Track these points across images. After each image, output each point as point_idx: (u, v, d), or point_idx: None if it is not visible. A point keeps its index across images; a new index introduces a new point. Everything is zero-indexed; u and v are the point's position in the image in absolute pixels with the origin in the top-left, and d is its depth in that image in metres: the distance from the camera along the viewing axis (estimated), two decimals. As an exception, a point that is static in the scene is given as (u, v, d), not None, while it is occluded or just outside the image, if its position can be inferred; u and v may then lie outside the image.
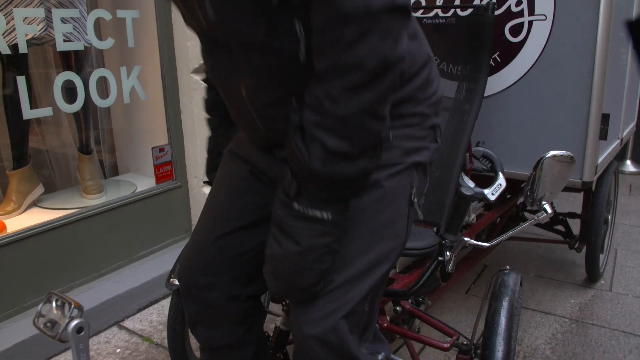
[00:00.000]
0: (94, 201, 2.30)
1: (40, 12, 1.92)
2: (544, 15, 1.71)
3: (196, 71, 2.37)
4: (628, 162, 4.39)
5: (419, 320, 1.47)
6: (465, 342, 1.34)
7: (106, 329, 2.08)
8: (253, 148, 1.06)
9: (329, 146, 0.75)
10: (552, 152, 1.26)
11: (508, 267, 1.32)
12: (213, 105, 1.26)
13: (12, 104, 2.03)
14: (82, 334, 0.85)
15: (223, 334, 1.12)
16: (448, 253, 1.27)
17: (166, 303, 2.27)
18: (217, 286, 1.08)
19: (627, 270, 2.54)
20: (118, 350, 1.94)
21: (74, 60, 2.15)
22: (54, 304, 0.89)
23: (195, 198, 2.54)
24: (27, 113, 1.88)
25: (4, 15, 1.80)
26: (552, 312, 2.17)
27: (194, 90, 2.38)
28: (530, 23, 1.74)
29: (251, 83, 0.89)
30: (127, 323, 2.12)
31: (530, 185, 1.27)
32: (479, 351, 1.27)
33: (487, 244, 1.32)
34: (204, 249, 1.09)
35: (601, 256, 2.40)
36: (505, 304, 1.20)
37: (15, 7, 1.86)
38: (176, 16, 2.32)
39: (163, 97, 2.38)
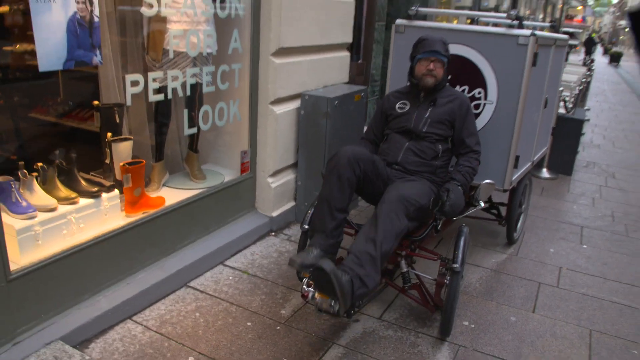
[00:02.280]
0: (201, 184, 3.55)
1: (197, 70, 3.16)
2: (492, 100, 3.15)
3: (272, 103, 3.65)
4: (544, 169, 5.98)
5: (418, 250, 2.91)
6: (444, 257, 2.76)
7: (216, 266, 3.37)
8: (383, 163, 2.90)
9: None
10: (485, 181, 2.70)
11: (464, 224, 2.76)
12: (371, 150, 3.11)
13: (166, 124, 3.29)
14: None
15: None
16: (439, 221, 2.72)
17: (247, 251, 3.59)
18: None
19: (529, 245, 4.06)
20: (230, 278, 3.25)
21: (200, 97, 3.38)
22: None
23: (260, 185, 3.84)
24: (186, 131, 3.14)
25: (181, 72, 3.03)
26: (481, 265, 3.65)
27: (269, 115, 3.66)
28: (485, 104, 3.18)
29: (415, 145, 2.92)
30: (228, 262, 3.43)
31: (475, 194, 2.73)
32: (451, 260, 2.67)
33: (455, 218, 2.76)
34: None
35: (518, 226, 3.95)
36: (463, 238, 2.65)
37: (187, 67, 3.09)
38: (262, 66, 3.58)
39: (249, 119, 3.65)
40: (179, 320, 2.77)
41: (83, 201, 2.68)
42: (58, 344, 2.36)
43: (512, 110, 3.14)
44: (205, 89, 3.23)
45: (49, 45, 2.20)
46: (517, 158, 3.23)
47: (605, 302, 3.28)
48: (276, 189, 3.87)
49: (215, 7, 3.18)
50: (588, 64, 12.17)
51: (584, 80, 7.37)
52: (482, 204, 2.80)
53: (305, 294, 2.43)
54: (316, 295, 2.35)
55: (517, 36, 3.07)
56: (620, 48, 41.57)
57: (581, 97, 7.12)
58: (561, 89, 5.30)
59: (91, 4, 2.34)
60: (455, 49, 3.21)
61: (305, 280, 2.48)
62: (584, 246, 4.11)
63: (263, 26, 3.51)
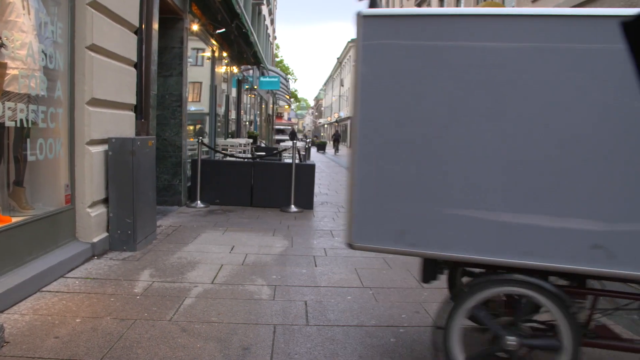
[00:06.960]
0: (31, 212, 3.98)
1: (35, 107, 3.75)
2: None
3: (87, 143, 4.34)
4: (292, 206, 7.57)
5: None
6: None
7: (59, 278, 3.81)
8: None
9: None
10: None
11: None
12: None
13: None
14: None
15: None
16: None
17: (81, 268, 4.08)
18: None
19: (299, 242, 5.42)
20: (77, 282, 3.75)
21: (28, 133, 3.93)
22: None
23: (80, 216, 4.39)
24: (29, 158, 3.66)
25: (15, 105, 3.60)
26: (269, 253, 4.83)
27: (85, 153, 4.33)
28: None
29: None
30: (68, 275, 3.90)
31: None
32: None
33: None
34: None
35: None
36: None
37: (21, 102, 3.66)
38: (78, 112, 4.29)
39: (68, 156, 4.26)
40: (50, 306, 3.23)
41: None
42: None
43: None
44: (41, 124, 3.83)
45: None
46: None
47: (358, 258, 4.78)
48: (94, 218, 4.46)
49: (45, 60, 3.87)
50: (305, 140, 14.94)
51: (306, 147, 9.58)
52: None
53: None
54: None
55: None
56: (324, 139, 50.77)
57: (307, 156, 9.19)
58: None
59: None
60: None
61: None
62: (336, 238, 5.67)
63: (79, 80, 4.28)
